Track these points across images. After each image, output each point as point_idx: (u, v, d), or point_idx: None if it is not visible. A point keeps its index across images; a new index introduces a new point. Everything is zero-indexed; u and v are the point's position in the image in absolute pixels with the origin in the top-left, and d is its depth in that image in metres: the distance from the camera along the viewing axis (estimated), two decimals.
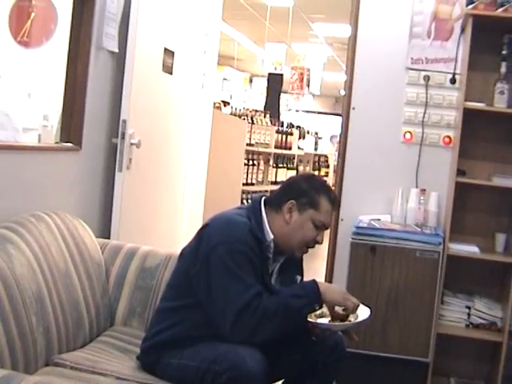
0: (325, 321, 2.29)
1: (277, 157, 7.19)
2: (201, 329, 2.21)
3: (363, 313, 2.31)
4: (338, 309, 2.29)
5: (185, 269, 2.28)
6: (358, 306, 2.26)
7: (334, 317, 2.28)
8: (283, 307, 2.14)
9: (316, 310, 2.22)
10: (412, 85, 3.63)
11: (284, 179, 7.26)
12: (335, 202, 2.38)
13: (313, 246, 2.36)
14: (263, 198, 2.35)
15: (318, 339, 2.33)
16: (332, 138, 12.33)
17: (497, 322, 3.34)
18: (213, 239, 2.18)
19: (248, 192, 6.29)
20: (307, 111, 13.43)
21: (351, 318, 2.28)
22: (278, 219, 2.30)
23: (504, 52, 3.37)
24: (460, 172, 3.34)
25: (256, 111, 7.39)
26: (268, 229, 2.28)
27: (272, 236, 2.28)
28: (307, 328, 2.28)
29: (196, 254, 2.22)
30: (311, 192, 2.30)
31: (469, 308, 3.38)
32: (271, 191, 7.00)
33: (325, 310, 2.30)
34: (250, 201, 6.19)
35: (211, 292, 2.16)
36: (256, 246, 2.21)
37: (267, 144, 6.76)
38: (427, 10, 3.59)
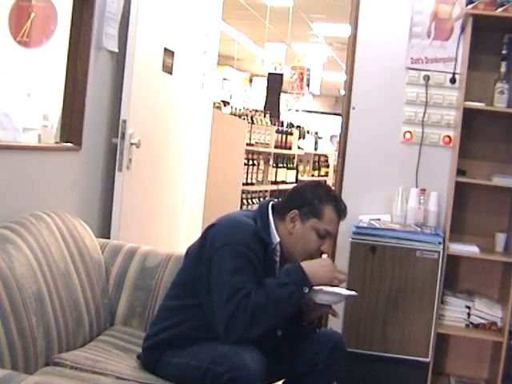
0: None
1: (277, 157, 7.19)
2: (203, 330, 2.21)
3: (349, 291, 2.32)
4: None
5: (189, 268, 2.29)
6: (344, 280, 2.25)
7: None
8: (272, 299, 2.12)
9: (306, 294, 2.19)
10: (412, 85, 3.62)
11: (284, 179, 7.27)
12: (342, 212, 2.34)
13: (319, 256, 2.34)
14: (271, 203, 2.35)
15: (311, 323, 2.34)
16: (332, 137, 12.32)
17: (497, 321, 3.33)
18: (216, 241, 2.18)
19: (248, 192, 6.29)
20: (307, 111, 13.42)
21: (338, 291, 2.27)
22: (283, 227, 2.30)
23: (504, 52, 3.36)
24: (460, 172, 3.34)
25: (256, 111, 7.39)
26: (274, 232, 2.28)
27: (278, 239, 2.27)
28: (300, 312, 2.28)
29: (200, 255, 2.23)
30: (315, 201, 2.28)
31: (469, 308, 3.37)
32: (272, 191, 7.01)
33: None
34: (249, 201, 6.21)
35: (210, 294, 2.16)
36: (260, 248, 2.21)
37: (267, 144, 6.76)
38: (427, 10, 3.59)
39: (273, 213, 2.31)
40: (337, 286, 2.24)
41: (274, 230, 2.28)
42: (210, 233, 2.23)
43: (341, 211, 2.33)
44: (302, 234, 2.28)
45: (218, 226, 2.24)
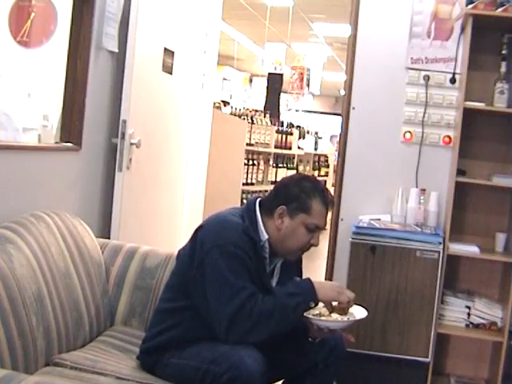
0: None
1: (277, 157, 7.19)
2: (199, 330, 2.21)
3: (360, 312, 2.31)
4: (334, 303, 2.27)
5: (181, 270, 2.29)
6: (353, 298, 2.23)
7: (334, 310, 2.26)
8: (279, 307, 2.12)
9: (311, 308, 2.20)
10: (412, 85, 3.62)
11: None
12: (329, 203, 2.31)
13: (308, 249, 2.33)
14: (258, 200, 2.34)
15: (315, 339, 2.33)
16: (332, 137, 12.33)
17: (497, 321, 3.34)
18: (206, 243, 2.18)
19: (248, 192, 6.29)
20: (307, 111, 13.43)
21: (348, 316, 2.27)
22: (270, 223, 2.28)
23: (504, 52, 3.36)
24: (460, 172, 3.34)
25: (256, 111, 7.40)
26: (262, 228, 2.27)
27: (266, 236, 2.26)
28: (305, 327, 2.28)
29: (192, 258, 2.22)
30: (301, 196, 2.26)
31: (469, 308, 3.37)
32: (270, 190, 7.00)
33: (323, 310, 2.29)
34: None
35: (206, 296, 2.16)
36: (250, 246, 2.20)
37: (267, 144, 6.76)
38: (427, 10, 3.59)
39: (260, 209, 2.30)
40: (346, 303, 2.22)
41: (262, 227, 2.27)
42: (199, 234, 2.23)
43: (328, 203, 2.30)
44: (292, 229, 2.26)
45: (206, 226, 2.24)
